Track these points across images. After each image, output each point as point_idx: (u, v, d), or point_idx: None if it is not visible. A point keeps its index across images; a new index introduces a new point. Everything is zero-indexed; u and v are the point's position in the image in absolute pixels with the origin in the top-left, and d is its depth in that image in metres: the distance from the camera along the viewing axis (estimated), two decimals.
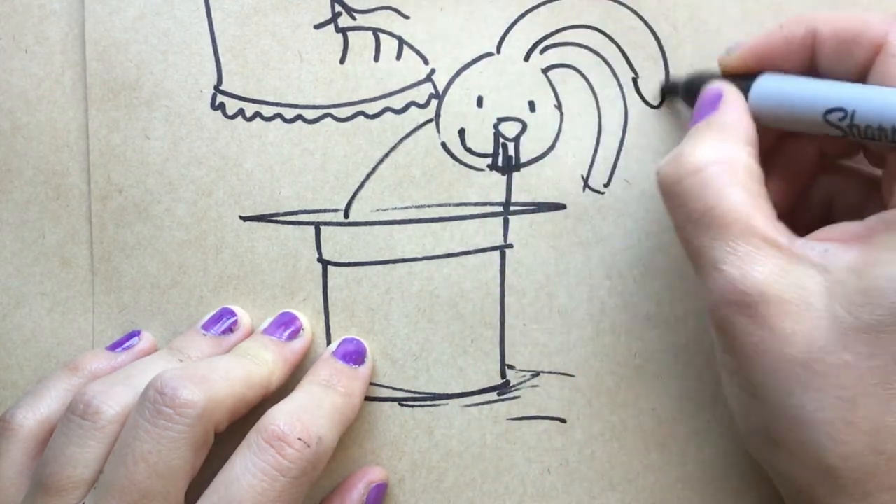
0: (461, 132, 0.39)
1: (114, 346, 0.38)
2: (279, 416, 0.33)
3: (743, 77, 0.34)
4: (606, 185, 0.39)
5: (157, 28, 0.38)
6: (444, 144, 0.39)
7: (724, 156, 0.31)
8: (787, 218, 0.32)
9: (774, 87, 0.33)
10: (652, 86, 0.39)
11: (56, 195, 0.39)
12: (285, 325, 0.38)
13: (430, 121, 0.39)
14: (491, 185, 0.39)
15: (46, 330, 0.39)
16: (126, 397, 0.34)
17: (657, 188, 0.33)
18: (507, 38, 0.39)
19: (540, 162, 0.39)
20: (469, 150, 0.39)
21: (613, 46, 0.39)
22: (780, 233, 0.30)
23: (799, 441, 0.29)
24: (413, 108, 0.39)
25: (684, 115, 0.39)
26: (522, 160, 0.39)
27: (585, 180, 0.39)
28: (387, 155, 0.39)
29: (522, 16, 0.39)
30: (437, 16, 0.39)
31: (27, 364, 0.39)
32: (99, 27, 0.38)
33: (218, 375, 0.34)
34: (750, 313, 0.29)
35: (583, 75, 0.39)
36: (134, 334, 0.39)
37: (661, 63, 0.39)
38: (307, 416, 0.34)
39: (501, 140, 0.39)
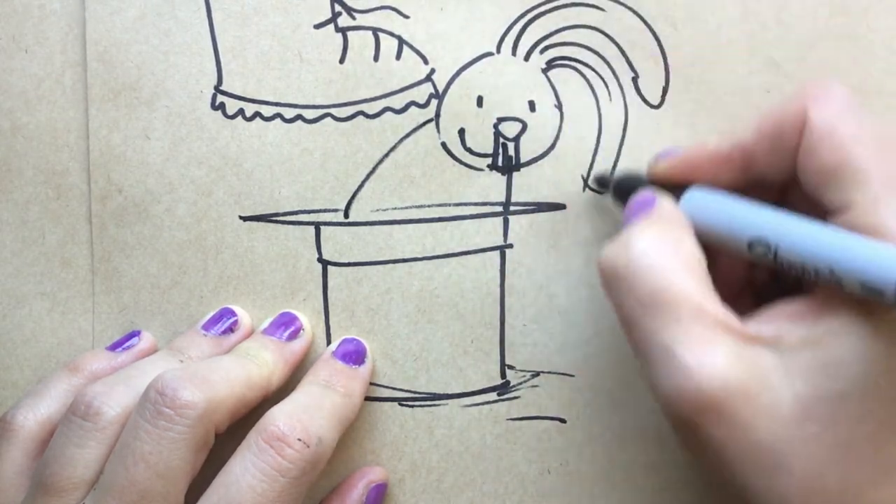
0: (461, 132, 0.39)
1: (114, 347, 0.38)
2: (279, 417, 0.33)
3: (672, 187, 0.34)
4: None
5: (157, 28, 0.38)
6: (444, 144, 0.39)
7: (669, 240, 0.31)
8: (731, 301, 0.31)
9: (701, 207, 0.33)
10: (652, 86, 0.39)
11: (56, 195, 0.39)
12: (285, 325, 0.38)
13: (430, 121, 0.39)
14: (491, 185, 0.39)
15: (46, 330, 0.39)
16: (126, 398, 0.34)
17: (599, 278, 0.32)
18: (506, 38, 0.39)
19: (540, 162, 0.39)
20: (469, 150, 0.39)
21: (613, 46, 0.39)
22: (729, 315, 0.30)
23: None
24: (413, 108, 0.39)
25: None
26: (522, 160, 0.39)
27: (586, 180, 0.39)
28: (387, 155, 0.39)
29: (522, 15, 0.39)
30: (437, 15, 0.39)
31: (27, 364, 0.39)
32: (100, 27, 0.38)
33: (218, 376, 0.34)
34: (712, 411, 0.28)
35: (583, 75, 0.39)
36: (134, 334, 0.39)
37: (662, 63, 0.39)
38: (307, 417, 0.34)
39: (501, 140, 0.39)
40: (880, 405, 0.28)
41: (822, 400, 0.28)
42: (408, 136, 0.39)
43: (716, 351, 0.28)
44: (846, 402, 0.28)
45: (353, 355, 0.38)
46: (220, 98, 0.39)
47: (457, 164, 0.39)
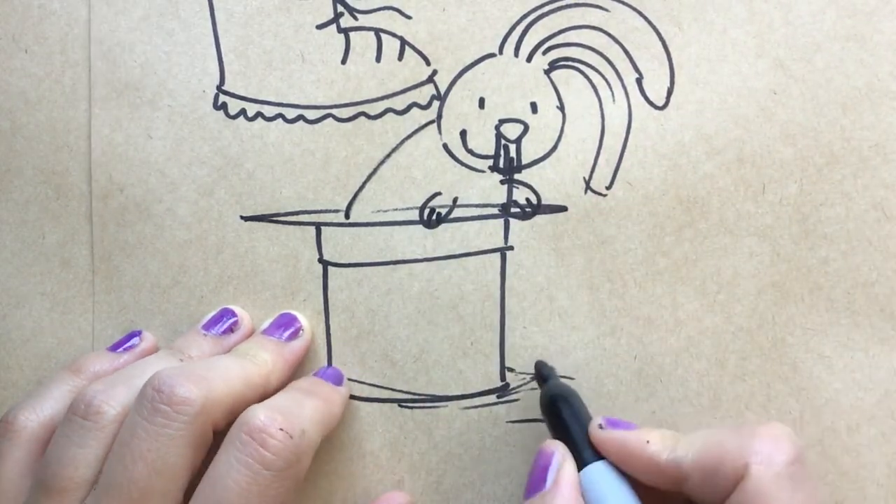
0: (463, 133, 0.39)
1: (115, 347, 0.39)
2: (259, 411, 0.33)
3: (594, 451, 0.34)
4: (609, 188, 0.39)
5: (161, 28, 0.39)
6: (445, 146, 0.39)
7: None
8: None
9: (600, 484, 0.33)
10: (657, 86, 0.39)
11: (56, 195, 0.39)
12: (285, 325, 0.38)
13: (431, 122, 0.39)
14: (492, 187, 0.39)
15: (46, 330, 0.40)
16: (127, 397, 0.34)
17: None
18: (509, 39, 0.39)
19: (541, 164, 0.39)
20: (471, 152, 0.39)
21: (617, 47, 0.39)
22: None
23: None
24: (415, 109, 0.39)
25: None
26: (524, 162, 0.39)
27: (587, 182, 0.39)
28: (388, 156, 0.39)
29: (525, 16, 0.39)
30: (440, 16, 0.39)
31: (27, 364, 0.40)
32: (104, 27, 0.39)
33: (216, 374, 0.34)
34: None
35: (586, 76, 0.39)
36: (135, 334, 0.39)
37: (667, 63, 0.39)
38: (288, 411, 0.34)
39: (503, 141, 0.39)
40: None
41: None
42: (409, 137, 0.39)
43: None
44: None
45: (333, 376, 0.38)
46: (222, 98, 0.39)
47: (458, 165, 0.39)
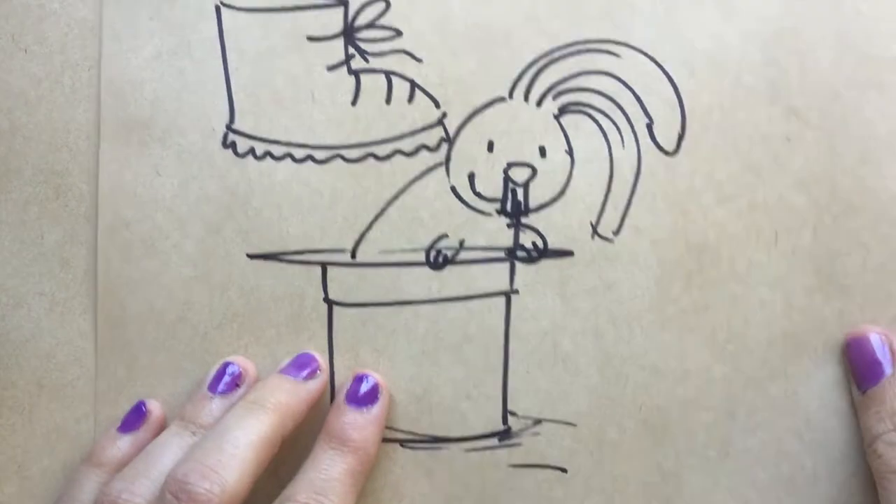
0: (471, 176, 0.39)
1: (124, 427, 0.39)
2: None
3: None
4: (616, 233, 0.38)
5: (172, 67, 0.39)
6: (453, 188, 0.39)
7: None
8: None
9: None
10: (667, 132, 0.38)
11: (55, 195, 0.40)
12: (302, 365, 0.38)
13: (440, 164, 0.39)
14: (499, 230, 0.39)
15: (45, 330, 0.40)
16: (150, 490, 0.34)
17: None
18: (519, 83, 0.38)
19: (549, 208, 0.38)
20: (478, 195, 0.39)
21: (628, 92, 0.38)
22: None
23: None
24: (423, 152, 0.39)
25: (699, 168, 0.38)
26: (532, 206, 0.39)
27: (594, 227, 0.38)
28: (396, 197, 0.39)
29: (536, 61, 0.38)
30: (450, 59, 0.39)
31: (26, 364, 0.40)
32: (115, 65, 0.39)
33: (228, 454, 0.34)
34: None
35: (595, 121, 0.38)
36: (140, 408, 0.39)
37: (678, 108, 0.38)
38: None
39: (511, 185, 0.39)
40: None
41: None
42: (417, 179, 0.39)
43: None
44: None
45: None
46: (231, 136, 0.39)
47: (466, 207, 0.39)
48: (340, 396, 0.38)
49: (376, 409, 0.38)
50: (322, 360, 0.39)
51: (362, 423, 0.37)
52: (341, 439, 0.37)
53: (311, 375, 0.38)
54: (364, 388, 0.38)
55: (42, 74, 0.40)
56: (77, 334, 0.40)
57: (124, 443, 0.38)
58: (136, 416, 0.39)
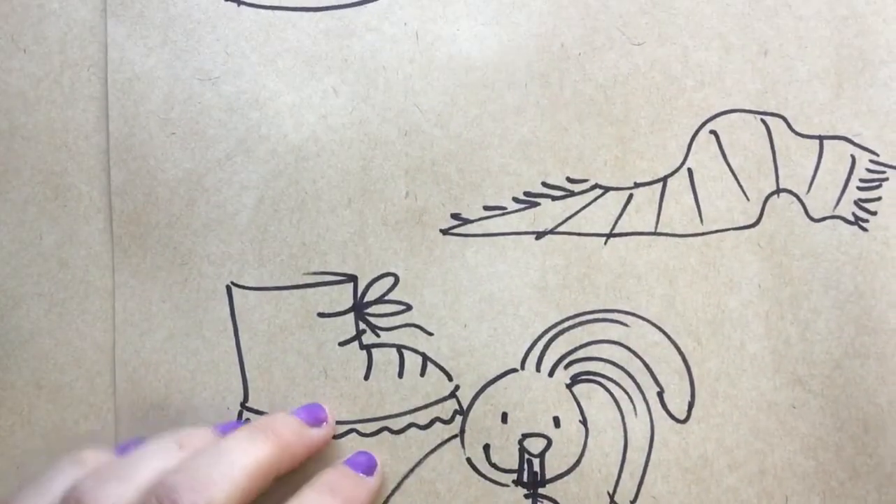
0: (486, 448, 0.39)
1: (122, 451, 0.36)
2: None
3: None
4: (633, 502, 0.39)
5: (185, 348, 0.39)
6: (469, 460, 0.39)
7: None
8: None
9: None
10: (678, 400, 0.39)
11: (54, 195, 0.39)
12: (312, 413, 0.38)
13: (454, 436, 0.39)
14: (516, 502, 0.39)
15: (44, 330, 0.39)
16: (120, 492, 0.32)
17: None
18: (530, 354, 0.39)
19: (565, 478, 0.39)
20: (494, 466, 0.39)
21: (638, 361, 0.39)
22: None
23: None
24: (438, 424, 0.39)
25: (709, 434, 0.39)
26: (548, 476, 0.39)
27: (612, 497, 0.39)
28: (412, 470, 0.39)
29: (546, 331, 0.39)
30: (461, 332, 0.39)
31: (25, 364, 0.39)
32: (129, 349, 0.39)
33: (220, 472, 0.33)
34: None
35: (608, 390, 0.39)
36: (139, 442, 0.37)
37: (687, 377, 0.39)
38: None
39: (527, 456, 0.39)
40: None
41: None
42: (433, 451, 0.39)
43: None
44: None
45: (365, 466, 0.38)
46: (245, 414, 0.39)
47: (482, 479, 0.39)
48: (340, 460, 0.38)
49: (372, 481, 0.38)
50: (331, 418, 0.39)
51: (357, 482, 0.37)
52: (333, 489, 0.36)
53: (318, 424, 0.38)
54: (364, 458, 0.38)
55: (41, 74, 0.39)
56: (75, 335, 0.39)
57: (112, 454, 0.36)
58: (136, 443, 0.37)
